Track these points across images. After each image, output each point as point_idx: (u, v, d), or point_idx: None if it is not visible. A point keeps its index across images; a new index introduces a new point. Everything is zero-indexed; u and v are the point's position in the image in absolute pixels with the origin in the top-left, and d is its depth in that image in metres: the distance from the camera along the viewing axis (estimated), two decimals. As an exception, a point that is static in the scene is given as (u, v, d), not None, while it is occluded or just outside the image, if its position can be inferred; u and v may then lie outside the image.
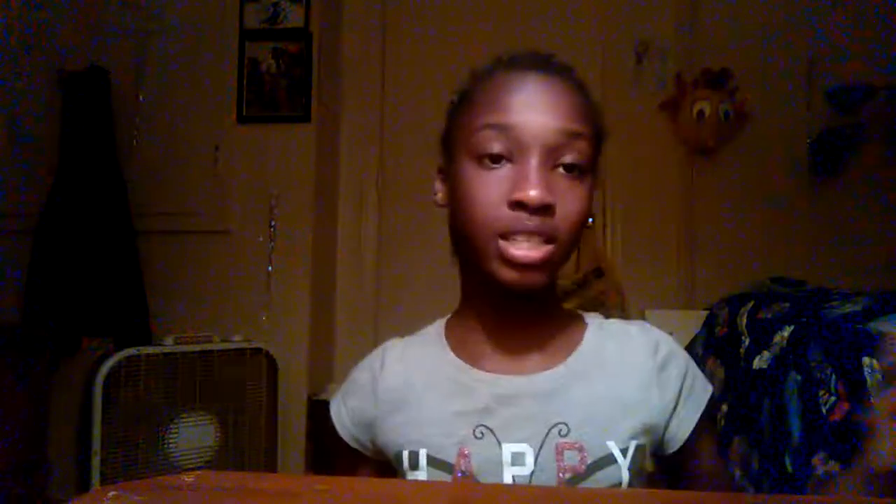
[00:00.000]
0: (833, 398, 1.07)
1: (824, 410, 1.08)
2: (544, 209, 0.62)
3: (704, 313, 1.84)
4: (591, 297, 2.09)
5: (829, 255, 2.18)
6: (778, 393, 1.23)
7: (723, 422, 1.52)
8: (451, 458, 0.65)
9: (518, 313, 0.70)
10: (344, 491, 0.52)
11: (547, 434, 0.64)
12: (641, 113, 2.36)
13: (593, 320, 0.75)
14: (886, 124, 2.23)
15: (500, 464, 0.64)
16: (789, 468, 1.14)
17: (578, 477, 0.63)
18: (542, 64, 0.67)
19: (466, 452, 0.65)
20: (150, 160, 2.29)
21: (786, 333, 1.29)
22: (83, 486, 1.84)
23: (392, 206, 2.49)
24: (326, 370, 2.38)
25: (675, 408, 0.69)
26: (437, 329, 0.76)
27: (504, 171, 0.64)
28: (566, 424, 0.65)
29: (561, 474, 0.63)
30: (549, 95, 0.65)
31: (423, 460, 0.66)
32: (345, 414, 0.76)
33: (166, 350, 1.88)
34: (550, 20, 2.42)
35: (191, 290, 2.25)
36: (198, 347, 1.93)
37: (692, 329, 1.85)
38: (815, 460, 1.06)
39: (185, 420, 1.89)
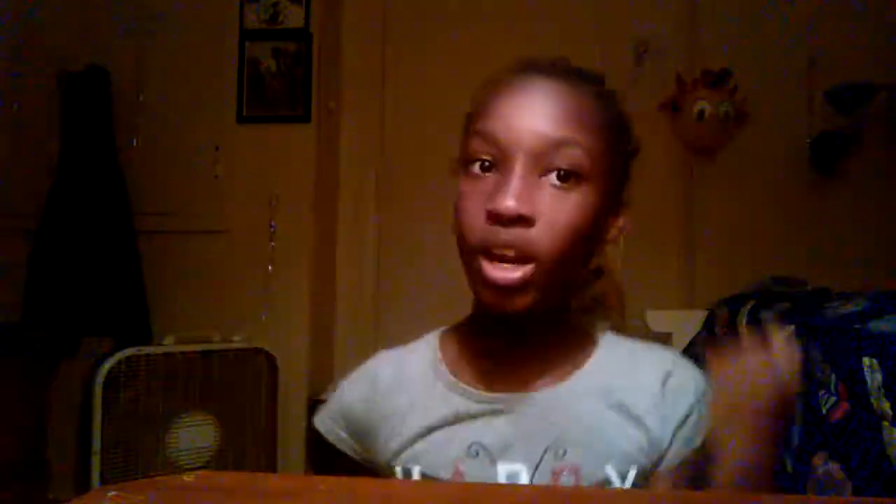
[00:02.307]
0: (833, 398, 1.07)
1: (824, 410, 1.08)
2: (520, 221, 0.58)
3: (704, 313, 1.84)
4: (591, 297, 2.08)
5: (829, 255, 2.18)
6: (778, 393, 1.23)
7: (723, 422, 1.52)
8: (445, 475, 0.63)
9: (516, 332, 0.67)
10: (344, 491, 0.52)
11: (543, 455, 0.62)
12: (641, 113, 2.34)
13: (606, 338, 0.72)
14: (886, 124, 2.23)
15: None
16: (789, 468, 1.14)
17: None
18: (550, 69, 0.64)
19: (461, 470, 0.63)
20: (151, 160, 2.29)
21: (786, 333, 1.28)
22: (83, 486, 1.84)
23: (392, 206, 2.49)
24: (326, 370, 2.38)
25: (672, 439, 0.65)
26: (431, 343, 0.73)
27: (489, 180, 0.61)
28: (563, 446, 0.62)
29: None
30: (542, 100, 0.61)
31: (416, 477, 0.64)
32: (333, 422, 0.74)
33: (166, 350, 1.88)
34: (550, 20, 2.42)
35: (191, 290, 2.25)
36: (198, 347, 1.93)
37: (692, 329, 1.85)
38: (815, 460, 1.06)
39: (184, 420, 1.89)
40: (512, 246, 0.59)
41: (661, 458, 0.65)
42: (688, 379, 0.68)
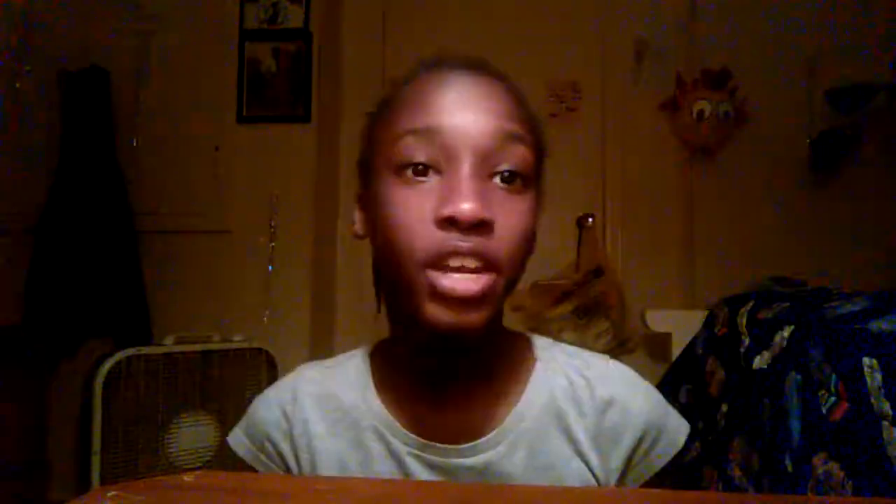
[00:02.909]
0: (833, 398, 1.07)
1: (824, 410, 1.08)
2: (480, 226, 0.52)
3: (704, 313, 1.84)
4: (591, 297, 2.08)
5: (829, 255, 2.18)
6: (778, 393, 1.23)
7: (723, 422, 1.52)
8: None
9: (452, 364, 0.61)
10: (344, 491, 0.52)
11: None
12: (641, 113, 2.36)
13: (543, 356, 0.65)
14: (886, 124, 2.23)
15: None
16: (789, 468, 1.14)
17: None
18: (472, 64, 0.58)
19: None
20: (151, 160, 2.29)
21: (786, 333, 1.29)
22: (83, 486, 1.84)
23: (392, 206, 2.48)
24: (326, 370, 2.38)
25: (624, 471, 0.62)
26: (362, 363, 0.67)
27: (431, 184, 0.54)
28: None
29: None
30: (481, 94, 0.55)
31: None
32: (250, 442, 0.68)
33: (166, 350, 1.88)
34: (550, 20, 2.42)
35: (191, 290, 2.25)
36: (198, 347, 1.92)
37: (692, 329, 1.85)
38: (815, 460, 1.06)
39: (185, 420, 1.89)
40: (475, 255, 0.52)
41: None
42: (630, 407, 0.63)
